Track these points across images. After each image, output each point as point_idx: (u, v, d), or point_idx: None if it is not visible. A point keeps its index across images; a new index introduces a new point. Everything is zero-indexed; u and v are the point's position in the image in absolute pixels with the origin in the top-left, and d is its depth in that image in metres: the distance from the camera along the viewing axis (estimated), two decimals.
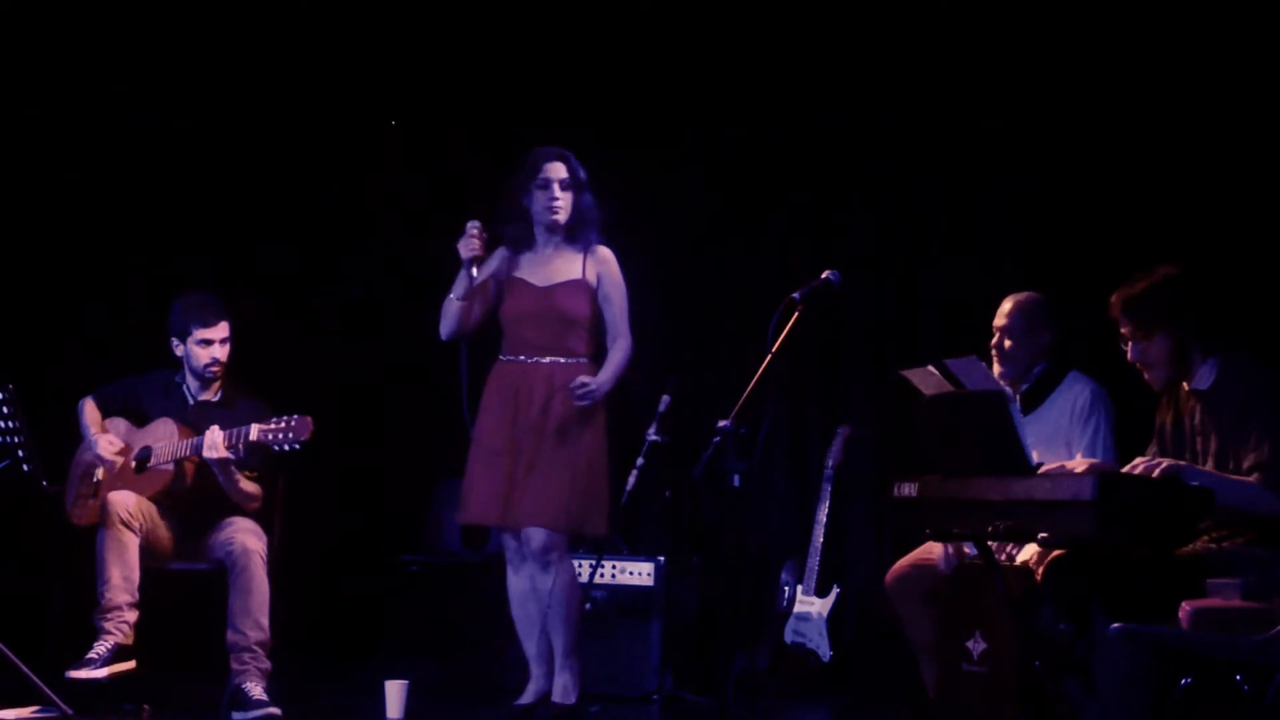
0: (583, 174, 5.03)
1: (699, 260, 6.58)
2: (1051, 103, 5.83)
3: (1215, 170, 5.49)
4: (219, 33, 6.44)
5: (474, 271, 4.97)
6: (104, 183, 6.47)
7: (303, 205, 6.73)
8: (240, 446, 5.01)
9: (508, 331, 5.07)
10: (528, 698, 4.99)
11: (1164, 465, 3.96)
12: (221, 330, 5.29)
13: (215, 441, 5.02)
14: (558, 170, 4.99)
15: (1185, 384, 4.23)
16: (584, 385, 4.86)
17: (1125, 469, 4.05)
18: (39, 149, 6.33)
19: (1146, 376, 4.26)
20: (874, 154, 6.31)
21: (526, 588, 4.98)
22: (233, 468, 5.12)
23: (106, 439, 5.28)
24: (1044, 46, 5.82)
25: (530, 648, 5.02)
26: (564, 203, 4.99)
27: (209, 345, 5.27)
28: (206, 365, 5.27)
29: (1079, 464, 4.18)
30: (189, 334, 5.28)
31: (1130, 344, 4.23)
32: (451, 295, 5.00)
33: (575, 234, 5.05)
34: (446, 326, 5.03)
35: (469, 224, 4.96)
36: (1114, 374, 4.67)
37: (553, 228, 5.02)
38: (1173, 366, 4.21)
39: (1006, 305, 4.89)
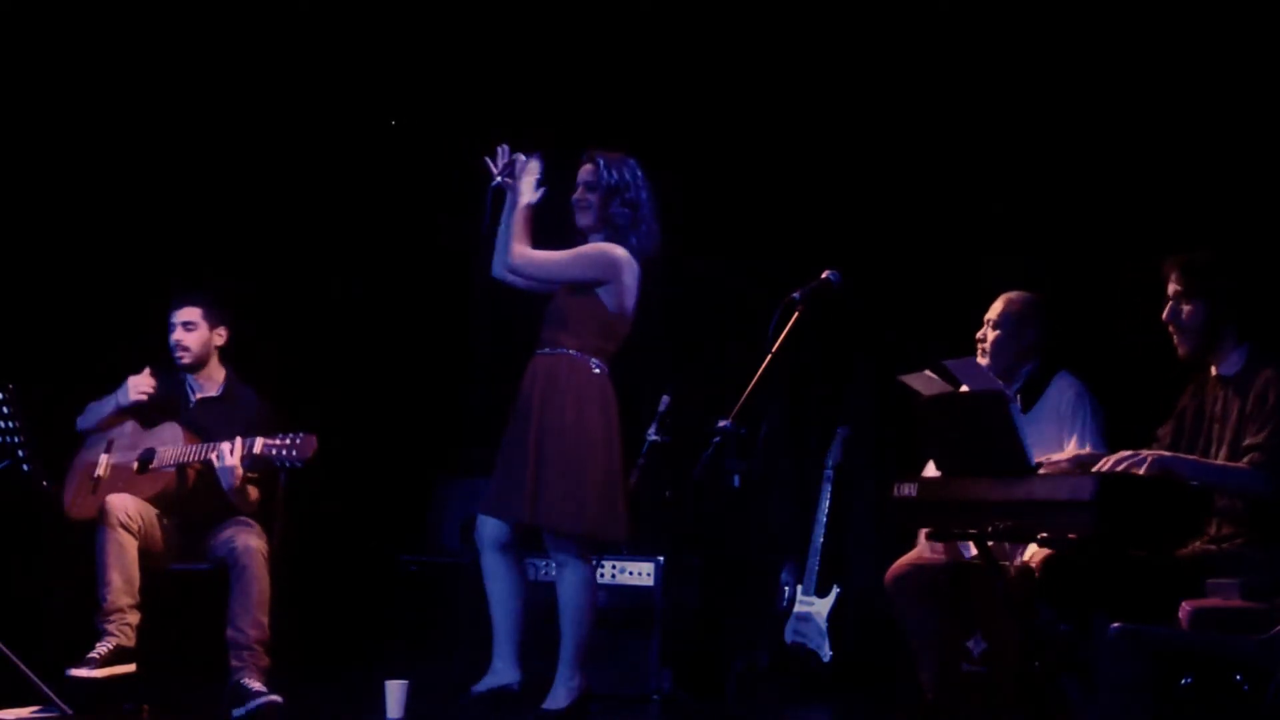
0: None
1: (699, 259, 6.58)
2: (1050, 104, 5.84)
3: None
4: (218, 32, 6.44)
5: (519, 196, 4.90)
6: (104, 183, 6.46)
7: (301, 202, 6.73)
8: (249, 459, 5.04)
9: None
10: (481, 686, 4.86)
11: (1150, 459, 3.94)
12: (185, 314, 5.38)
13: (225, 452, 5.06)
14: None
15: (1214, 369, 4.22)
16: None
17: (1107, 463, 3.98)
18: (39, 149, 6.33)
19: (1175, 340, 4.24)
20: (874, 152, 6.31)
21: (489, 566, 4.94)
22: (243, 478, 5.15)
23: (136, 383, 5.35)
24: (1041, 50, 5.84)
25: (496, 630, 4.92)
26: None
27: (173, 330, 5.38)
28: (172, 349, 5.37)
29: (1066, 453, 4.16)
30: (169, 319, 5.40)
31: (1171, 302, 4.22)
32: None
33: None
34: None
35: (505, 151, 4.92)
36: (1106, 375, 4.66)
37: (590, 228, 5.01)
38: (1202, 338, 4.20)
39: (998, 303, 4.91)
